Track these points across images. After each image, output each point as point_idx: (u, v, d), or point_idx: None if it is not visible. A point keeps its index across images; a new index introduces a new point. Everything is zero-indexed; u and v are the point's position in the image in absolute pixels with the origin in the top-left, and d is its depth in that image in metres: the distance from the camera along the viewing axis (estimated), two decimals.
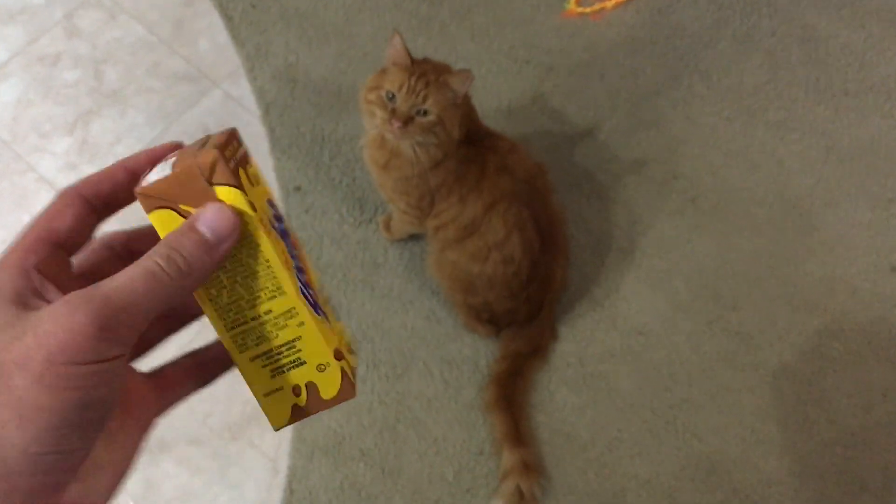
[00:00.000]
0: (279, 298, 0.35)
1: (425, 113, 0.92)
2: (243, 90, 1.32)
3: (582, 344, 1.14)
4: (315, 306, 0.37)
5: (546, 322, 1.12)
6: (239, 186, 0.33)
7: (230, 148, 0.34)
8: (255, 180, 0.36)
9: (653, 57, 1.34)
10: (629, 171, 1.25)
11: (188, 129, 1.29)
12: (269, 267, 0.35)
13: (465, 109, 0.97)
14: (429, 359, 1.14)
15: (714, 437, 1.09)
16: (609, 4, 1.38)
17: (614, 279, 1.18)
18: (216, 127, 1.29)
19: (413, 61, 0.94)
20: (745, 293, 1.17)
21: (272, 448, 1.10)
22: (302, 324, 0.36)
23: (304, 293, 0.36)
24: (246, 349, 0.36)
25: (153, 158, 0.35)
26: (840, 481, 1.06)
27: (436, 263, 1.09)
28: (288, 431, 1.10)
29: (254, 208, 0.34)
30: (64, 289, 0.31)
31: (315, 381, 0.37)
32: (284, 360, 0.37)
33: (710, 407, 1.11)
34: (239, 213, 0.33)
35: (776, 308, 1.16)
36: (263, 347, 0.36)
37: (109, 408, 0.29)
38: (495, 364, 1.12)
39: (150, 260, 0.30)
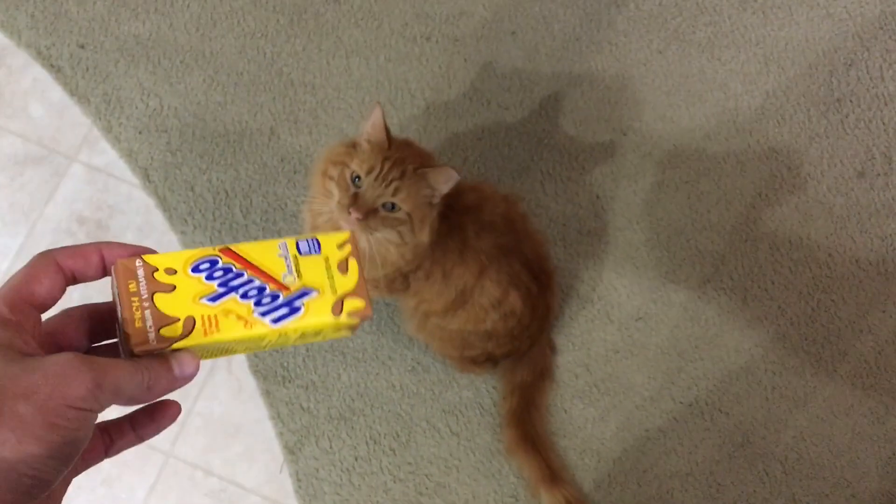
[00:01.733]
0: (254, 342, 0.39)
1: (392, 207, 0.77)
2: (108, 157, 1.09)
3: (583, 349, 1.06)
4: (289, 305, 0.39)
5: (543, 341, 1.03)
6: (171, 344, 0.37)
7: (130, 285, 0.38)
8: (171, 283, 0.38)
9: None
10: (574, 139, 1.13)
11: (59, 224, 1.06)
12: (225, 345, 0.38)
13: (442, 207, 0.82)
14: (430, 415, 1.03)
15: (737, 406, 1.05)
16: None
17: (595, 267, 1.09)
18: (91, 214, 1.06)
19: (391, 143, 0.78)
20: (728, 243, 1.10)
21: None
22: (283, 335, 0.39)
23: (266, 313, 0.38)
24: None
25: (129, 252, 0.39)
26: (868, 412, 1.06)
27: (418, 327, 0.96)
28: None
29: (191, 327, 0.37)
30: (40, 344, 0.37)
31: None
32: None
33: (724, 376, 1.06)
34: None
35: (760, 252, 1.10)
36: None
37: (80, 449, 0.34)
38: (503, 402, 1.03)
39: (140, 365, 0.36)
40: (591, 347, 1.06)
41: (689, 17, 1.19)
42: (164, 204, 1.06)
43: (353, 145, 0.80)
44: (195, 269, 0.38)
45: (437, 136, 1.10)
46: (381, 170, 0.76)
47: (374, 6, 1.16)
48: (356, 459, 1.01)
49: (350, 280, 0.40)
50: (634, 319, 1.07)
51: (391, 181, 0.76)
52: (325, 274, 0.40)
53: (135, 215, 1.07)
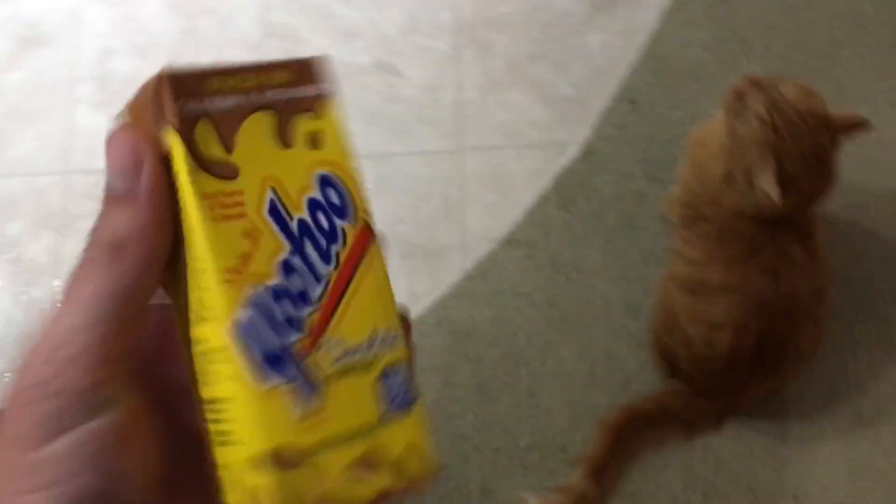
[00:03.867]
0: (207, 325, 0.26)
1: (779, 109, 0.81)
2: None
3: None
4: (307, 381, 0.26)
5: (721, 410, 0.97)
6: (183, 129, 0.25)
7: (259, 77, 0.27)
8: (296, 140, 0.27)
9: None
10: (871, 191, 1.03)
11: None
12: (199, 270, 0.26)
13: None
14: (596, 338, 1.03)
15: None
16: None
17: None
18: None
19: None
20: None
21: None
22: (234, 378, 0.25)
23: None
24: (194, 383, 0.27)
25: None
26: None
27: (661, 279, 0.97)
28: None
29: (200, 167, 0.25)
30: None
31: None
32: (210, 425, 0.27)
33: None
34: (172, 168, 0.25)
35: None
36: (196, 392, 0.27)
37: None
38: (643, 399, 0.99)
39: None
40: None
41: None
42: None
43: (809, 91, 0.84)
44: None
45: None
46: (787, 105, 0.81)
47: None
48: None
49: None
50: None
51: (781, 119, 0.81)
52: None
53: None
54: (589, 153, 1.08)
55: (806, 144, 0.81)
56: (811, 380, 0.98)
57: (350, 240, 0.28)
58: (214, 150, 0.26)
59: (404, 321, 0.29)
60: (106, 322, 0.25)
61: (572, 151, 1.08)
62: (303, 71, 0.28)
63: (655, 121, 1.09)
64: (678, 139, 1.05)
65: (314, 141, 0.28)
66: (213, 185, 0.25)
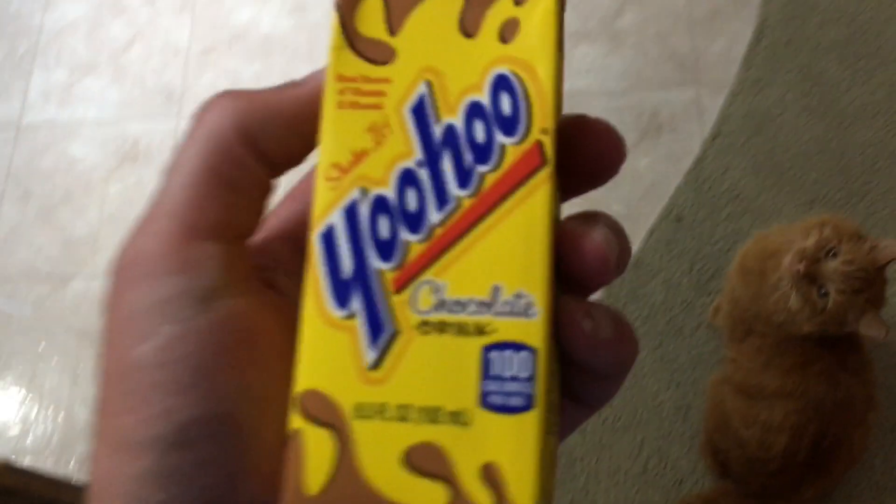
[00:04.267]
0: (311, 231, 0.21)
1: (822, 293, 0.83)
2: (713, 106, 1.26)
3: None
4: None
5: None
6: (345, 2, 0.22)
7: None
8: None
9: None
10: None
11: (641, 102, 1.28)
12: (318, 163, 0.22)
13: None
14: (648, 438, 1.07)
15: None
16: None
17: None
18: (666, 116, 1.26)
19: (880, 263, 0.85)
20: None
21: None
22: (308, 296, 0.21)
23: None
24: None
25: None
26: None
27: (713, 384, 1.01)
28: None
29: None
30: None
31: None
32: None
33: None
34: None
35: None
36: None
37: None
38: (695, 497, 1.02)
39: None
40: None
41: None
42: (701, 158, 1.22)
43: (857, 233, 0.86)
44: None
45: None
46: (856, 274, 0.82)
47: None
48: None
49: None
50: None
51: (851, 284, 0.82)
52: None
53: (683, 151, 1.25)
54: (638, 264, 1.16)
55: (874, 289, 0.85)
56: (858, 482, 1.01)
57: (508, 162, 0.21)
58: (374, 29, 0.22)
59: (574, 304, 0.21)
60: (198, 183, 0.21)
61: None
62: None
63: (699, 236, 1.17)
64: (721, 253, 1.13)
65: (506, 32, 0.21)
66: (357, 66, 0.21)
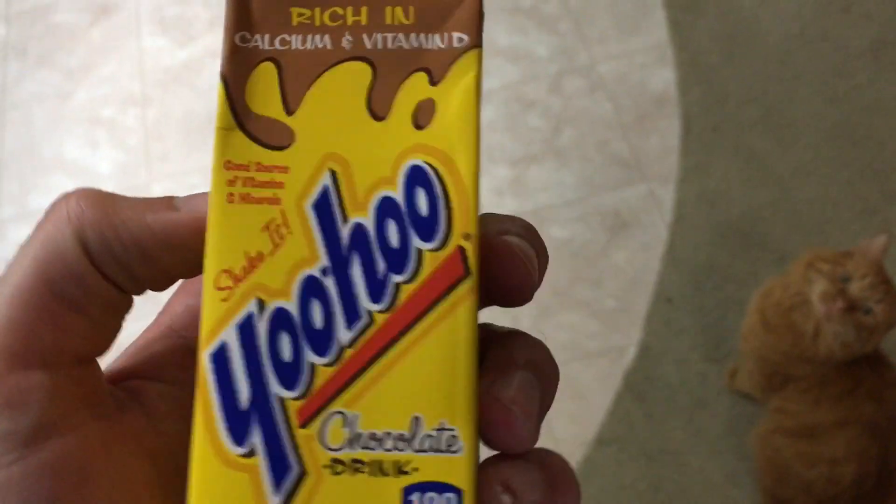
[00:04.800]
0: (201, 347, 0.19)
1: (867, 312, 0.89)
2: (667, 195, 1.35)
3: None
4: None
5: None
6: (232, 72, 0.19)
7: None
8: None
9: None
10: None
11: (601, 205, 1.35)
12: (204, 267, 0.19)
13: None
14: None
15: None
16: None
17: None
18: (628, 213, 1.34)
19: (882, 266, 0.93)
20: None
21: None
22: (199, 427, 0.19)
23: None
24: None
25: None
26: None
27: (760, 439, 1.03)
28: None
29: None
30: None
31: None
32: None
33: None
34: None
35: None
36: None
37: None
38: None
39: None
40: None
41: None
42: (671, 244, 1.30)
43: (845, 254, 0.94)
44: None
45: None
46: (875, 280, 0.89)
47: None
48: None
49: None
50: None
51: (881, 291, 0.89)
52: None
53: (647, 228, 1.34)
54: (646, 350, 1.21)
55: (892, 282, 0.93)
56: None
57: (426, 271, 0.18)
58: (268, 106, 0.19)
59: (496, 430, 0.19)
60: (26, 301, 0.18)
61: (630, 352, 1.21)
62: (436, 10, 0.19)
63: (693, 311, 1.24)
64: (717, 322, 1.20)
65: (421, 115, 0.19)
66: (250, 152, 0.19)
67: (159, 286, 0.20)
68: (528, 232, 0.21)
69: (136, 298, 0.20)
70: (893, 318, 0.90)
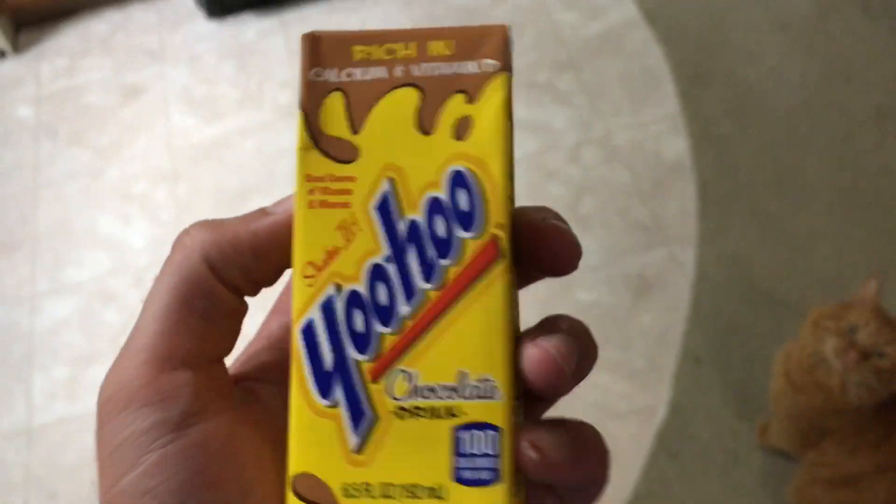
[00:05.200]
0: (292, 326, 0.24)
1: (881, 356, 0.93)
2: (688, 257, 1.39)
3: None
4: None
5: None
6: (308, 102, 0.23)
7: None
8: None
9: None
10: None
11: (625, 269, 1.39)
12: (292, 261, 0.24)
13: None
14: None
15: None
16: None
17: None
18: (652, 276, 1.38)
19: (881, 307, 0.97)
20: None
21: None
22: (295, 387, 0.23)
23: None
24: None
25: None
26: None
27: (798, 491, 1.06)
28: None
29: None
30: None
31: None
32: None
33: None
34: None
35: None
36: None
37: None
38: None
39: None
40: None
41: None
42: (695, 306, 1.33)
43: (846, 306, 0.98)
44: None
45: None
46: (877, 324, 0.93)
47: None
48: None
49: None
50: None
51: (885, 335, 0.93)
52: None
53: (672, 297, 1.37)
54: (677, 408, 1.23)
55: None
56: None
57: (468, 256, 0.22)
58: (337, 128, 0.23)
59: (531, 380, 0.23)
60: (168, 315, 0.23)
61: (661, 411, 1.24)
62: (470, 42, 0.23)
63: (721, 369, 1.27)
64: (746, 378, 1.23)
65: (461, 129, 0.23)
66: (323, 165, 0.23)
67: (271, 281, 0.25)
68: (560, 217, 0.25)
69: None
70: None
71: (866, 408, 0.96)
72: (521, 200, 0.23)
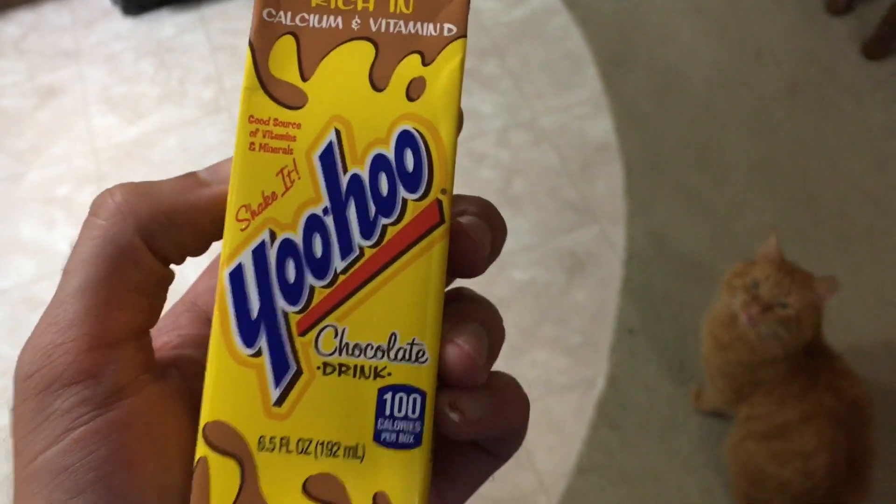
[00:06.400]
0: (221, 268, 0.23)
1: (784, 306, 0.98)
2: (618, 234, 1.43)
3: None
4: None
5: None
6: (259, 42, 0.23)
7: None
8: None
9: None
10: None
11: (557, 248, 1.43)
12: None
13: (818, 318, 1.01)
14: None
15: None
16: None
17: None
18: (584, 253, 1.42)
19: (783, 260, 1.02)
20: None
21: None
22: (215, 332, 0.23)
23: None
24: None
25: None
26: None
27: (733, 448, 1.10)
28: None
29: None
30: None
31: None
32: None
33: None
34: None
35: None
36: None
37: None
38: None
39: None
40: None
41: None
42: (627, 280, 1.38)
43: (752, 263, 1.04)
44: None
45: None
46: (777, 276, 0.98)
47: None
48: None
49: None
50: None
51: (785, 285, 0.98)
52: None
53: (602, 273, 1.41)
54: (614, 380, 1.27)
55: (797, 273, 1.01)
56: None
57: (409, 216, 0.22)
58: (286, 72, 0.23)
59: (457, 348, 0.22)
60: (98, 290, 0.22)
61: (600, 383, 1.27)
62: (430, 3, 0.23)
63: (654, 339, 1.31)
64: (678, 348, 1.28)
65: (413, 89, 0.23)
66: (269, 109, 0.22)
67: (202, 251, 0.24)
68: (485, 210, 0.25)
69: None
70: (808, 300, 0.98)
71: (789, 357, 1.01)
72: (454, 186, 0.24)
